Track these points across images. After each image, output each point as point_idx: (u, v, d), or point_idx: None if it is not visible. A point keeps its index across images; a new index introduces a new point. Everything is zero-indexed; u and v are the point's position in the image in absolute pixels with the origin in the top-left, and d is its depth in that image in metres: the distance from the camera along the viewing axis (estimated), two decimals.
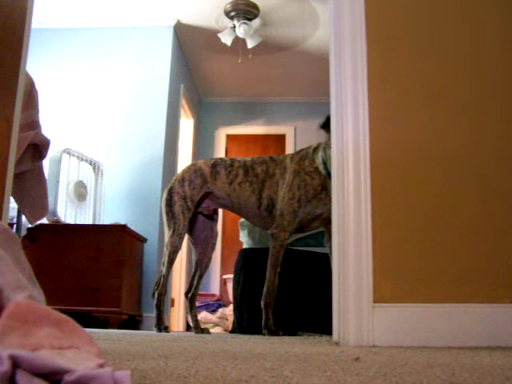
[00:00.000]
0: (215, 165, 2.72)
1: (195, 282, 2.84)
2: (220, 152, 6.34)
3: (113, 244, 3.65)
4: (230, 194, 2.65)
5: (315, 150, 2.54)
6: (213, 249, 2.90)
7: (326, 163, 2.41)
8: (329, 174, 2.38)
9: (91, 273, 3.58)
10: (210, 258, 2.89)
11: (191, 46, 5.25)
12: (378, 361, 0.96)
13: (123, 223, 3.83)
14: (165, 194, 2.76)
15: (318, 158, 2.48)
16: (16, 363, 0.41)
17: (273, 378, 0.68)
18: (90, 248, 3.63)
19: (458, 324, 1.49)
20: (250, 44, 4.72)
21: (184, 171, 2.78)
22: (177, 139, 5.05)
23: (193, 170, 2.74)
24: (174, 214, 2.67)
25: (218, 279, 5.97)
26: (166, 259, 2.67)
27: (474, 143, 1.66)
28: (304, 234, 2.97)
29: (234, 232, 5.55)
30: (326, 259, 2.64)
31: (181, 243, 2.69)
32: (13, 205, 2.51)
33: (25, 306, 0.51)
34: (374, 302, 1.51)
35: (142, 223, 4.25)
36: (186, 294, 2.85)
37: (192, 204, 2.69)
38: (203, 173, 2.71)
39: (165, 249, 2.69)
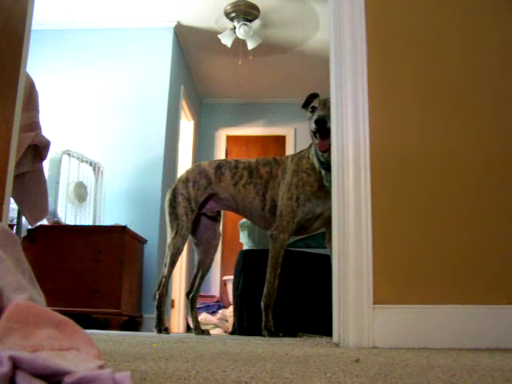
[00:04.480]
0: (220, 166, 2.71)
1: (197, 283, 2.84)
2: (220, 153, 6.33)
3: (113, 245, 3.65)
4: (235, 195, 2.64)
5: (310, 146, 2.51)
6: (215, 250, 2.90)
7: (319, 156, 2.34)
8: (323, 167, 2.34)
9: (91, 274, 3.58)
10: (212, 259, 2.89)
11: (191, 48, 5.25)
12: (378, 362, 0.96)
13: (123, 224, 3.83)
14: (168, 195, 2.74)
15: (311, 154, 2.44)
16: (16, 364, 0.41)
17: (273, 380, 0.68)
18: (90, 249, 3.63)
19: (457, 325, 1.49)
20: (250, 45, 4.72)
21: (188, 172, 2.77)
22: (177, 141, 5.06)
23: (197, 171, 2.73)
24: (177, 215, 2.66)
25: (218, 280, 5.97)
26: (167, 260, 2.67)
27: (475, 144, 1.66)
28: (304, 236, 2.96)
29: (234, 233, 5.55)
30: (326, 260, 2.63)
31: (183, 245, 2.68)
32: (13, 206, 2.51)
33: (25, 307, 0.51)
34: (374, 303, 1.51)
35: (142, 224, 4.25)
36: (188, 294, 2.86)
37: (196, 206, 2.68)
38: (208, 174, 2.70)
39: (167, 250, 2.69)
